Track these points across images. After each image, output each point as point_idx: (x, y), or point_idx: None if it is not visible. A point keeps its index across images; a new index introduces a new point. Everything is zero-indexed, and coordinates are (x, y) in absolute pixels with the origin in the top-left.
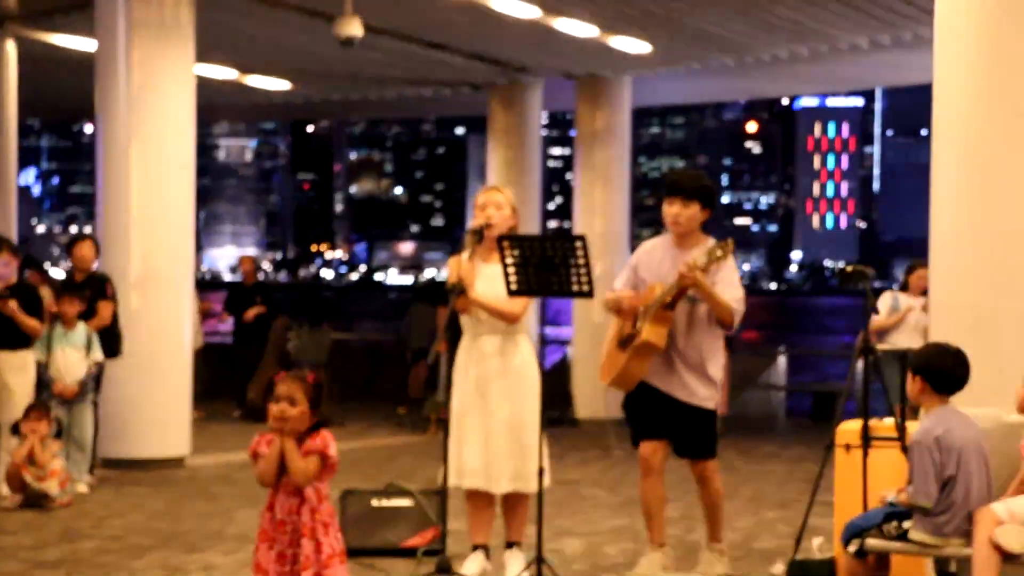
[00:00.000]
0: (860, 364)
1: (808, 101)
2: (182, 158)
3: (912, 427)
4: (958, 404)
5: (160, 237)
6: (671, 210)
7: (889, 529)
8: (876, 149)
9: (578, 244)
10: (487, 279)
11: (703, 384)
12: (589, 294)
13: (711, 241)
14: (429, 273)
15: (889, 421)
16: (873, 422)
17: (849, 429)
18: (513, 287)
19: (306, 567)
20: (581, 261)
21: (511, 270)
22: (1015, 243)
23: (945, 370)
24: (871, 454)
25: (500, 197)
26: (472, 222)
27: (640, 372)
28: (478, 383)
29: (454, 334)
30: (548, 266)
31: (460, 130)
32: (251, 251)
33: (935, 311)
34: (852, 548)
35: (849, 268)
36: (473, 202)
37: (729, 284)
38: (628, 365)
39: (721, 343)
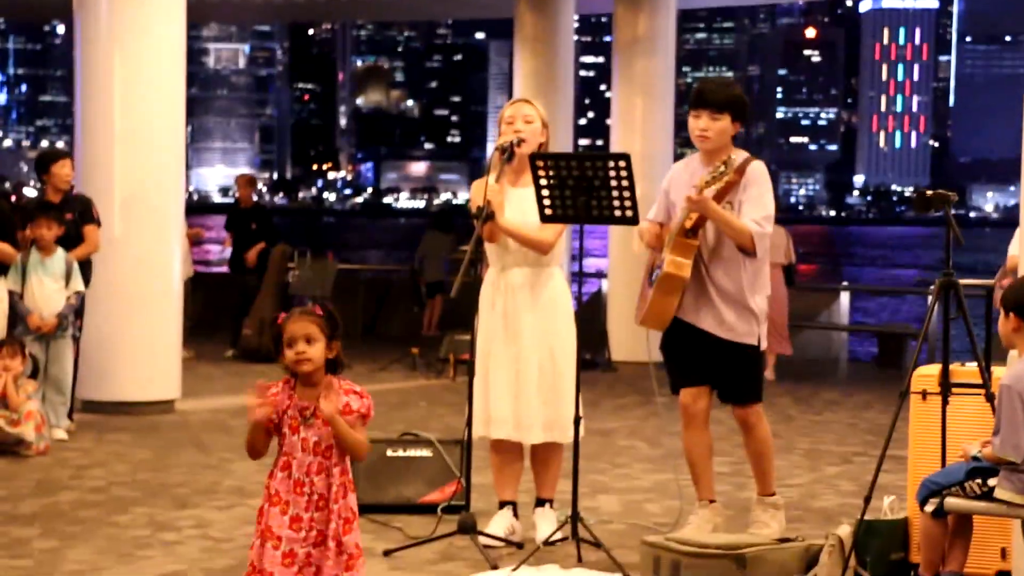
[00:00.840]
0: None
1: (875, 3)
2: (172, 64)
3: (999, 372)
4: None
5: (147, 154)
6: (698, 123)
7: (972, 487)
8: (952, 58)
9: (622, 163)
10: (516, 204)
11: (741, 317)
12: (633, 220)
13: (741, 156)
14: (444, 197)
15: (972, 366)
16: (954, 367)
17: (926, 374)
18: (547, 212)
19: (332, 535)
20: (625, 183)
21: (545, 192)
22: None
23: None
24: (951, 402)
25: (530, 110)
26: (499, 139)
27: (669, 308)
28: (507, 319)
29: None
30: (588, 188)
31: (480, 35)
32: (244, 171)
33: None
34: (929, 508)
35: (929, 192)
36: (497, 118)
37: (754, 201)
38: (654, 301)
39: (764, 269)
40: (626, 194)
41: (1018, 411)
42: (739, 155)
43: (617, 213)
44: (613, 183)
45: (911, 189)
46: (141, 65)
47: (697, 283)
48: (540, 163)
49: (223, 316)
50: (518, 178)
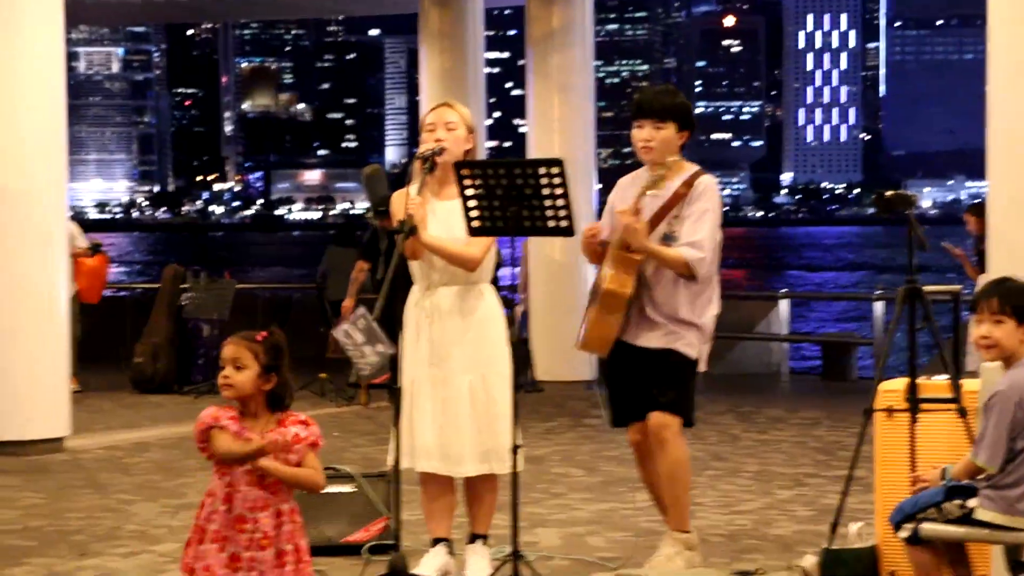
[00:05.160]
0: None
1: None
2: (50, 67)
3: (970, 385)
4: None
5: (25, 167)
6: (641, 134)
7: (951, 508)
8: (881, 44)
9: (555, 170)
10: (441, 218)
11: (682, 328)
12: (569, 231)
13: (691, 169)
14: (341, 207)
15: (940, 379)
16: (921, 380)
17: (891, 390)
18: (475, 224)
19: None
20: (559, 191)
21: (472, 203)
22: None
23: None
24: (920, 420)
25: (453, 115)
26: (420, 147)
27: (610, 328)
28: (433, 344)
29: (404, 283)
30: (519, 197)
31: (375, 32)
32: (122, 184)
33: (993, 239)
34: (903, 533)
35: (888, 193)
36: (396, 121)
37: (694, 219)
38: (595, 321)
39: (710, 288)
40: (560, 202)
41: (1006, 423)
42: (689, 168)
43: (551, 224)
44: (545, 191)
45: (843, 186)
46: (15, 69)
47: (636, 301)
48: (466, 172)
49: (112, 342)
50: (442, 189)
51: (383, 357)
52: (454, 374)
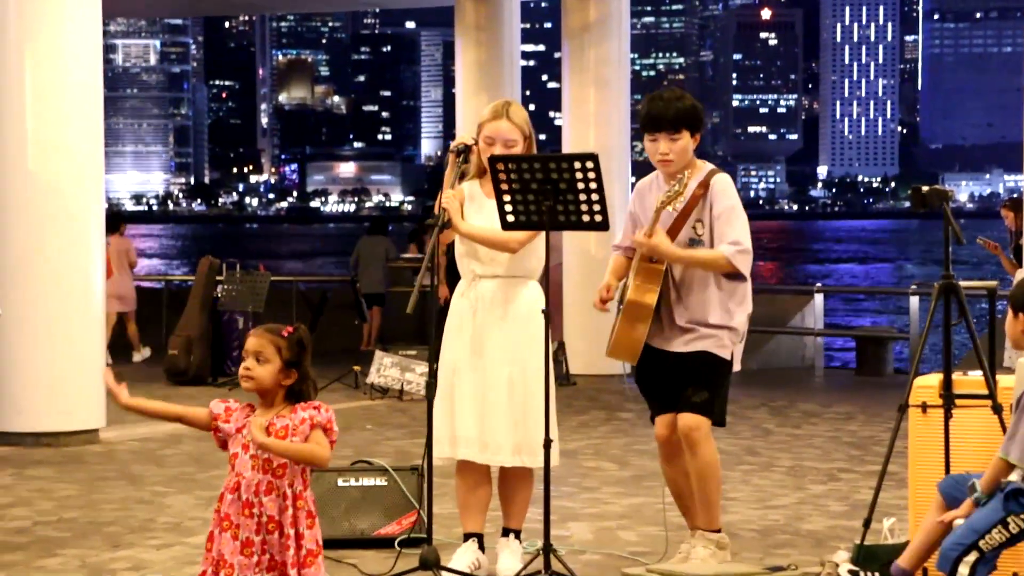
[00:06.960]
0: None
1: None
2: (88, 60)
3: (1005, 381)
4: None
5: (63, 159)
6: (657, 148)
7: (1017, 522)
8: (919, 37)
9: (589, 164)
10: (487, 214)
11: (718, 330)
12: (603, 225)
13: (704, 168)
14: (376, 199)
15: (975, 375)
16: (956, 376)
17: (926, 385)
18: (509, 218)
19: (279, 566)
20: (593, 185)
21: (507, 198)
22: None
23: None
24: (954, 415)
25: (513, 132)
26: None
27: (636, 338)
28: (475, 337)
29: (451, 277)
30: (553, 192)
31: (410, 24)
32: (159, 175)
33: None
34: (964, 570)
35: (925, 188)
36: (428, 112)
37: (726, 220)
38: (620, 331)
39: (744, 286)
40: (594, 197)
41: None
42: (703, 168)
43: (585, 218)
44: (580, 185)
45: (879, 179)
46: (55, 62)
47: (667, 309)
48: (500, 166)
49: (147, 334)
50: (484, 185)
51: (423, 374)
52: (495, 364)
